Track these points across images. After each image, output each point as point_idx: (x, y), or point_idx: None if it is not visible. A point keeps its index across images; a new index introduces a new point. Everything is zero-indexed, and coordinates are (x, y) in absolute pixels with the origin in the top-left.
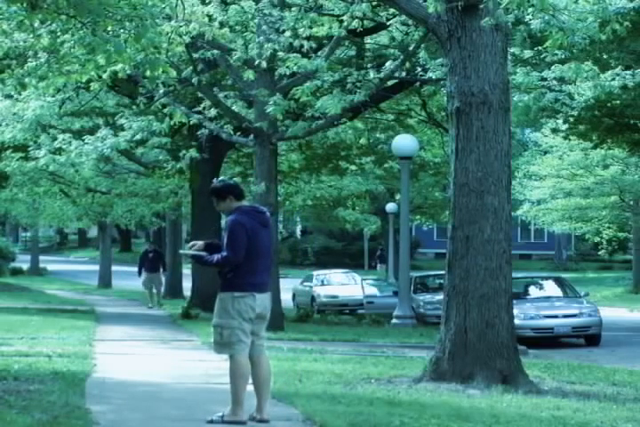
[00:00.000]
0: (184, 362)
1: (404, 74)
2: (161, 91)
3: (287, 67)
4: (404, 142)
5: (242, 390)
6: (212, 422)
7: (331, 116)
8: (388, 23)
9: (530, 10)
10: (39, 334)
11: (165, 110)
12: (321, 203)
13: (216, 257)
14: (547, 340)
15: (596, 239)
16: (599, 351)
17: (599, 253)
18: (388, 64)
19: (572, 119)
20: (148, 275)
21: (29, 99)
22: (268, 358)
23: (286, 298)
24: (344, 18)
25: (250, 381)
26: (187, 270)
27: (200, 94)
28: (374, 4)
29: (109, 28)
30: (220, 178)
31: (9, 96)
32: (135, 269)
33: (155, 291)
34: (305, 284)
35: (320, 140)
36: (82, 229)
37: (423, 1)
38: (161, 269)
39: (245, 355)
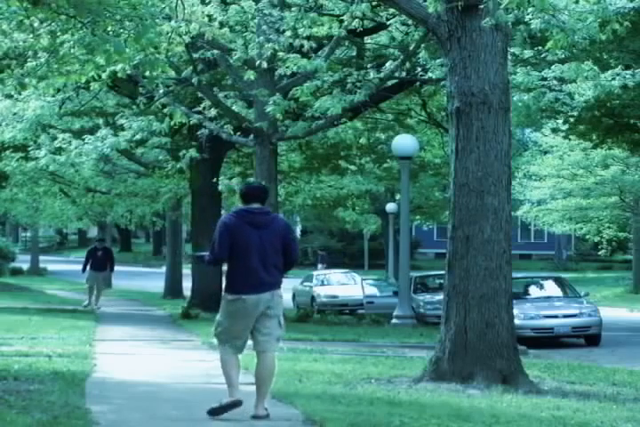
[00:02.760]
0: (184, 362)
1: (404, 74)
2: (161, 91)
3: (287, 67)
4: (403, 142)
5: (228, 375)
6: (212, 411)
7: (331, 116)
8: (387, 23)
9: (530, 10)
10: (39, 334)
11: (165, 110)
12: (321, 203)
13: (206, 255)
14: (547, 340)
15: (596, 239)
16: (599, 351)
17: (599, 253)
18: (388, 64)
19: (572, 119)
20: (93, 273)
21: (29, 99)
22: (274, 355)
23: (286, 298)
24: (344, 18)
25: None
26: (187, 270)
27: (200, 94)
28: (374, 4)
29: (109, 28)
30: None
31: (9, 96)
32: (134, 268)
33: (95, 291)
34: (305, 284)
35: (320, 140)
36: (82, 229)
37: (423, 1)
38: (108, 269)
39: (230, 354)
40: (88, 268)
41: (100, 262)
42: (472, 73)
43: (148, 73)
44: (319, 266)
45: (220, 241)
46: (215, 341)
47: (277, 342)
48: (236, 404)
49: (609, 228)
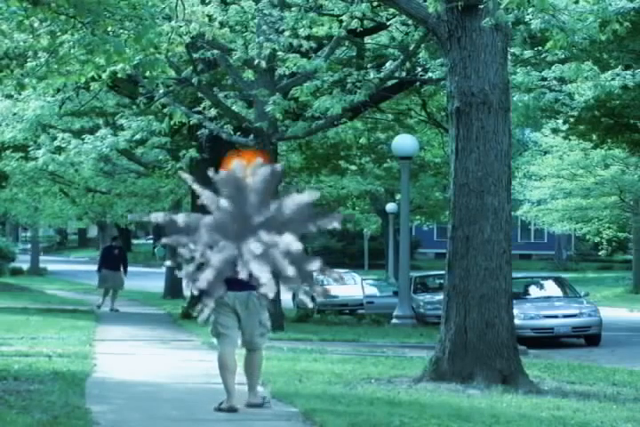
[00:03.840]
0: (184, 362)
1: (404, 74)
2: (161, 91)
3: (287, 67)
4: (403, 142)
5: (225, 380)
6: (219, 409)
7: (331, 116)
8: (388, 23)
9: (530, 10)
10: (39, 334)
11: (165, 110)
12: (321, 203)
13: None
14: (547, 340)
15: (596, 239)
16: (599, 351)
17: (599, 253)
18: (388, 64)
19: (572, 119)
20: (108, 272)
21: (29, 99)
22: (258, 350)
23: (286, 298)
24: (344, 18)
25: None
26: None
27: (200, 94)
28: (374, 4)
29: (109, 28)
30: None
31: (9, 96)
32: (134, 268)
33: (111, 292)
34: None
35: (320, 140)
36: (82, 229)
37: (423, 1)
38: (122, 269)
39: (226, 347)
40: (103, 268)
41: (117, 262)
42: (472, 73)
43: (148, 73)
44: None
45: None
46: (214, 340)
47: (262, 337)
48: (232, 410)
49: (609, 228)
